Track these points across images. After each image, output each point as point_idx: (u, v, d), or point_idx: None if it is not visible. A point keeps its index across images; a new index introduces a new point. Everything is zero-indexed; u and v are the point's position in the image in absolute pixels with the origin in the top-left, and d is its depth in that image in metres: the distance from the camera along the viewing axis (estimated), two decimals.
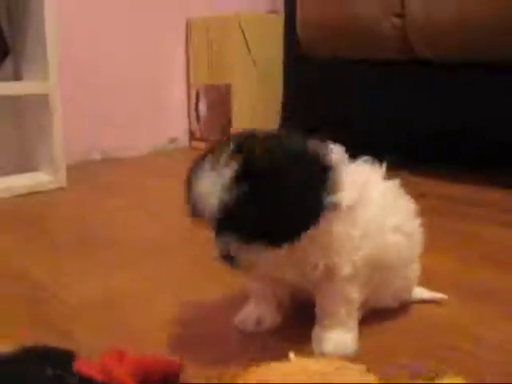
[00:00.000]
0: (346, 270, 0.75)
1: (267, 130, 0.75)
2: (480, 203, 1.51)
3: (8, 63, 1.81)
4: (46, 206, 1.60)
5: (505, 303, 0.91)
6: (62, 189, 1.75)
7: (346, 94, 2.03)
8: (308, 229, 0.70)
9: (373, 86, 1.96)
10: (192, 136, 2.45)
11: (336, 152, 0.75)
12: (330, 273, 0.75)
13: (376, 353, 0.75)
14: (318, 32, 2.02)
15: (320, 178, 0.70)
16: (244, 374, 0.53)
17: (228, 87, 2.26)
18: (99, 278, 1.05)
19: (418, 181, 1.71)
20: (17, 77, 1.82)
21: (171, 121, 2.42)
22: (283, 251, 0.71)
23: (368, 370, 0.56)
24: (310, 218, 0.70)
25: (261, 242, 0.70)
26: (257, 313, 0.84)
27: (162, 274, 1.06)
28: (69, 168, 1.82)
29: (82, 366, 0.58)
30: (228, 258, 0.71)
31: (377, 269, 0.79)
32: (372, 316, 0.84)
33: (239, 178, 0.66)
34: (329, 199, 0.70)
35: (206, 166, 0.69)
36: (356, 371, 0.56)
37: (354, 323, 0.78)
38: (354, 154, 0.81)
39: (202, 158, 0.71)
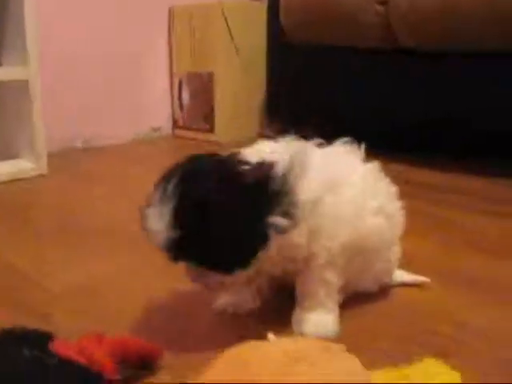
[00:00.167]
0: (322, 258, 0.75)
1: (217, 155, 0.75)
2: (463, 191, 1.51)
3: None
4: (27, 193, 1.59)
5: (486, 288, 0.92)
6: (43, 176, 1.73)
7: (329, 82, 2.03)
8: (256, 255, 0.71)
9: (357, 73, 1.96)
10: (175, 124, 2.44)
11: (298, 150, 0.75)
12: (307, 262, 0.76)
13: (357, 337, 0.76)
14: (302, 19, 2.01)
15: (264, 204, 0.70)
16: (222, 355, 0.53)
17: (211, 75, 2.25)
18: (80, 266, 1.04)
19: (402, 169, 1.72)
20: None
21: (154, 109, 2.40)
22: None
23: (347, 351, 0.56)
24: (256, 245, 0.71)
25: (214, 270, 0.71)
26: (236, 297, 0.84)
27: (142, 261, 1.05)
28: (51, 156, 1.80)
29: (59, 347, 0.58)
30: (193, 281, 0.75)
31: (358, 252, 0.79)
32: (353, 300, 0.84)
33: (181, 213, 0.67)
34: (276, 222, 0.70)
35: (153, 200, 0.70)
36: (334, 350, 0.56)
37: (333, 305, 0.78)
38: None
39: (155, 185, 0.72)
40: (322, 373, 0.51)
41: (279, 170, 0.71)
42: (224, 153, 0.75)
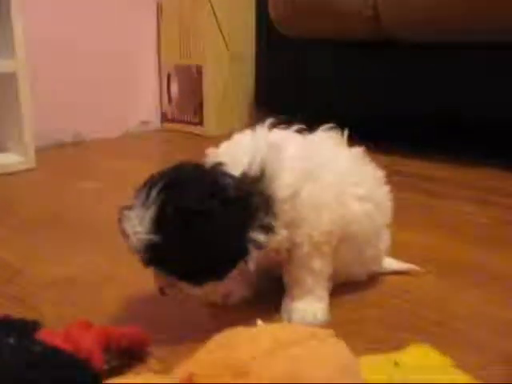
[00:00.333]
0: (305, 246, 0.75)
1: (198, 164, 0.74)
2: (452, 181, 1.53)
3: None
4: (14, 186, 1.57)
5: (477, 276, 0.93)
6: (31, 170, 1.72)
7: (318, 74, 2.03)
8: (232, 269, 0.71)
9: (346, 66, 1.96)
10: (164, 117, 2.43)
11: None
12: (291, 251, 0.76)
13: (346, 324, 0.76)
14: (291, 12, 2.00)
15: (245, 219, 0.70)
16: (210, 340, 0.53)
17: (199, 68, 2.24)
18: (69, 258, 1.03)
19: (393, 160, 1.72)
20: None
21: (143, 103, 2.39)
22: None
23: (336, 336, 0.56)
24: (235, 260, 0.71)
25: (185, 281, 0.71)
26: (224, 287, 0.83)
27: (130, 253, 1.05)
28: (39, 150, 1.78)
29: (46, 335, 0.57)
30: (160, 290, 0.74)
31: (345, 239, 0.78)
32: (342, 287, 0.84)
33: (164, 218, 0.67)
34: (256, 238, 0.70)
35: (135, 203, 0.69)
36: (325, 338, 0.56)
37: (322, 293, 0.78)
38: None
39: (137, 190, 0.71)
40: (310, 357, 0.51)
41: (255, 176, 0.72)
42: (208, 162, 0.74)
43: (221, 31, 2.21)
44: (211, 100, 2.25)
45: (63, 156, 1.97)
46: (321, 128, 0.83)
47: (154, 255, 0.69)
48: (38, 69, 1.90)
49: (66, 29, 2.08)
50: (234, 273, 0.78)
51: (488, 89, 1.64)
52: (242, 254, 0.70)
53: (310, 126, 0.84)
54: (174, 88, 2.36)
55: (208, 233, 0.68)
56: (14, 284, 0.92)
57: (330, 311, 0.78)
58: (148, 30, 2.36)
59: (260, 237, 0.70)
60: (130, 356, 0.66)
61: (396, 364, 0.60)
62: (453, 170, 1.63)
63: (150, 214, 0.67)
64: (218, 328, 0.54)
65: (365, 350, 0.62)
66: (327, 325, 0.74)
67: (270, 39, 2.17)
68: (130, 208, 0.69)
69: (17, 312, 0.76)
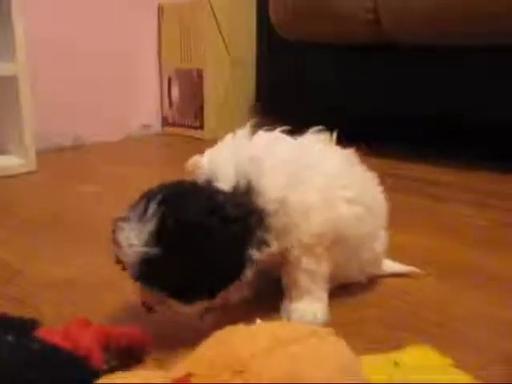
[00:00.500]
0: (296, 251, 0.75)
1: (194, 182, 0.74)
2: (451, 184, 1.53)
3: None
4: (15, 189, 1.58)
5: (476, 278, 0.93)
6: (31, 173, 1.72)
7: (319, 78, 2.03)
8: (227, 287, 0.71)
9: (346, 69, 1.97)
10: (165, 121, 2.44)
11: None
12: (283, 254, 0.76)
13: (346, 324, 0.75)
14: (291, 16, 2.00)
15: (243, 238, 0.70)
16: (209, 337, 0.53)
17: (200, 72, 2.24)
18: (68, 260, 1.03)
19: (394, 163, 1.72)
20: None
21: (144, 106, 2.40)
22: None
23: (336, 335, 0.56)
24: (231, 278, 0.71)
25: (177, 299, 0.69)
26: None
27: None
28: (40, 153, 1.79)
29: (45, 333, 0.57)
30: (147, 307, 0.71)
31: (338, 242, 0.78)
32: (342, 289, 0.84)
33: (163, 231, 0.66)
34: (252, 255, 0.71)
35: (131, 217, 0.68)
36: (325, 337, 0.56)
37: (321, 293, 0.77)
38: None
39: (131, 205, 0.70)
40: (309, 356, 0.51)
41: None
42: (201, 179, 0.74)
43: (221, 35, 2.22)
44: (212, 104, 2.25)
45: (64, 159, 1.98)
46: (310, 130, 0.83)
47: (148, 269, 0.67)
48: (39, 71, 1.90)
49: (67, 31, 2.09)
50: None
51: (488, 92, 1.64)
52: (238, 272, 0.70)
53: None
54: (175, 92, 2.36)
55: (208, 248, 0.67)
56: (13, 285, 0.92)
57: (329, 311, 0.78)
58: (149, 34, 2.37)
59: (256, 254, 0.71)
60: (129, 356, 0.66)
61: (396, 364, 0.60)
62: (452, 173, 1.63)
63: (149, 226, 0.66)
64: (217, 328, 0.54)
65: (365, 350, 0.61)
66: (327, 325, 0.74)
67: (270, 43, 2.18)
68: (125, 220, 0.68)
69: (16, 312, 0.76)
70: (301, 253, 0.75)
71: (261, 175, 0.73)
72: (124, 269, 0.70)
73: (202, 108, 2.27)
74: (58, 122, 2.09)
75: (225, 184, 0.72)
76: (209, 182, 0.73)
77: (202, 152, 0.80)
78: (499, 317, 0.79)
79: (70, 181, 1.66)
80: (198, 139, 2.20)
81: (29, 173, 1.71)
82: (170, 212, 0.67)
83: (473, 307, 0.82)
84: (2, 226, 1.24)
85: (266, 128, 0.82)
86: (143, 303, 0.71)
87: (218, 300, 0.73)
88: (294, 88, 2.11)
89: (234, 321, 0.76)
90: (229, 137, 0.80)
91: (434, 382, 0.59)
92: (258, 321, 0.61)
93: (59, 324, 0.64)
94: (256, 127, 0.82)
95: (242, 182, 0.72)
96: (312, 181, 0.76)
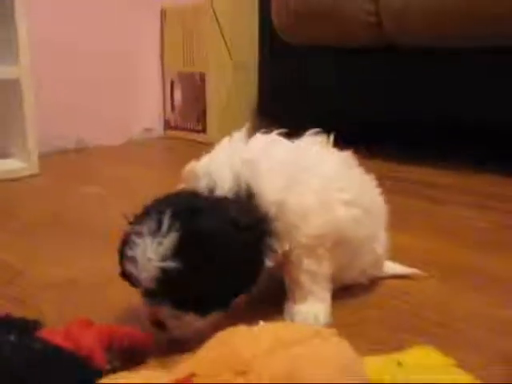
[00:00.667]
0: (297, 253, 0.75)
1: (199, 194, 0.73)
2: (451, 186, 1.53)
3: None
4: (18, 192, 1.58)
5: (477, 279, 0.93)
6: (34, 176, 1.72)
7: (322, 82, 2.03)
8: (241, 295, 0.72)
9: (349, 72, 1.97)
10: (167, 125, 2.44)
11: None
12: (285, 257, 0.76)
13: (348, 326, 0.75)
14: (294, 19, 2.01)
15: (257, 245, 0.70)
16: (211, 339, 0.53)
17: (202, 75, 2.24)
18: (70, 261, 1.03)
19: (394, 165, 1.72)
20: None
21: (146, 110, 2.40)
22: None
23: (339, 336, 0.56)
24: (247, 285, 0.72)
25: (192, 312, 0.69)
26: None
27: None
28: (43, 156, 1.79)
29: (46, 333, 0.57)
30: (157, 324, 0.69)
31: (338, 244, 0.78)
32: (343, 290, 0.84)
33: (180, 248, 0.65)
34: (266, 264, 0.71)
35: (144, 232, 0.66)
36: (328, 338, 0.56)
37: (324, 294, 0.77)
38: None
39: (138, 218, 0.69)
40: (311, 356, 0.51)
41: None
42: (199, 186, 0.74)
43: (224, 39, 2.22)
44: (214, 107, 2.25)
45: (66, 162, 1.98)
46: (307, 133, 0.83)
47: (167, 283, 0.66)
48: (42, 75, 1.90)
49: (70, 36, 2.09)
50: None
51: (488, 94, 1.64)
52: (253, 280, 0.71)
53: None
54: (177, 95, 2.37)
55: (227, 259, 0.67)
56: (15, 285, 0.93)
57: (331, 313, 0.78)
58: (151, 38, 2.38)
59: (269, 263, 0.71)
60: (131, 356, 0.66)
61: (399, 364, 0.60)
62: (451, 175, 1.63)
63: (167, 240, 0.65)
64: (219, 329, 0.54)
65: (367, 351, 0.61)
66: (329, 326, 0.74)
67: (272, 47, 2.18)
68: (137, 235, 0.66)
69: (18, 313, 0.77)
70: (302, 254, 0.75)
71: (258, 179, 0.73)
72: (133, 285, 0.70)
73: (204, 111, 2.27)
74: (60, 125, 2.09)
75: (224, 190, 0.72)
76: (209, 190, 0.73)
77: (204, 155, 0.80)
78: (500, 317, 0.79)
79: (73, 183, 1.66)
80: (201, 143, 2.20)
81: (31, 176, 1.72)
82: (186, 225, 0.66)
83: (473, 308, 0.82)
84: (5, 228, 1.24)
85: (263, 130, 0.82)
86: (153, 320, 0.70)
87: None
88: (296, 91, 2.12)
89: (236, 322, 0.77)
90: (225, 140, 0.80)
91: (437, 382, 0.59)
92: (261, 323, 0.61)
93: (61, 324, 0.64)
94: (255, 130, 0.82)
95: (242, 187, 0.72)
96: (309, 183, 0.76)
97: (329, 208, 0.76)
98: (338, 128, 0.88)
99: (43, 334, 0.57)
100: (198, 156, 0.80)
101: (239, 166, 0.73)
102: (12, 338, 0.54)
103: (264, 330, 0.55)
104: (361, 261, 0.84)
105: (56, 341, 0.56)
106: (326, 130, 0.84)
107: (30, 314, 0.76)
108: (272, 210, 0.72)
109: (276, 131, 0.82)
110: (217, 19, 2.19)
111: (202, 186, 0.74)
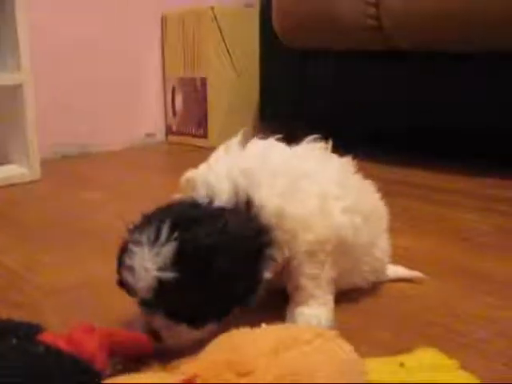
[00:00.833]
0: (298, 258, 0.75)
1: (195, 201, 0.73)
2: (454, 190, 1.53)
3: None
4: (19, 198, 1.58)
5: (482, 282, 0.93)
6: (36, 182, 1.73)
7: (323, 86, 2.04)
8: (242, 305, 0.71)
9: (350, 76, 1.97)
10: (168, 130, 2.44)
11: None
12: (286, 262, 0.75)
13: (351, 329, 0.75)
14: (294, 23, 2.01)
15: (257, 256, 0.70)
16: (214, 340, 0.53)
17: (204, 80, 2.25)
18: (72, 266, 1.03)
19: (396, 169, 1.72)
20: None
21: (148, 115, 2.40)
22: None
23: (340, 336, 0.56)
24: (245, 297, 0.70)
25: (188, 323, 0.68)
26: None
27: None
28: (44, 162, 1.80)
29: (48, 337, 0.57)
30: (152, 334, 0.68)
31: (340, 249, 0.78)
32: (345, 295, 0.83)
33: (178, 258, 0.64)
34: (265, 276, 0.71)
35: (142, 241, 0.66)
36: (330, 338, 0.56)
37: (326, 297, 0.77)
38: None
39: (138, 227, 0.69)
40: (313, 358, 0.51)
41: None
42: (198, 195, 0.74)
43: (225, 43, 2.23)
44: (215, 113, 2.25)
45: (68, 168, 1.98)
46: (306, 139, 0.83)
47: (163, 293, 0.65)
48: (44, 81, 1.91)
49: (71, 43, 2.10)
50: None
51: (490, 98, 1.64)
52: (253, 291, 0.70)
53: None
54: (179, 101, 2.37)
55: (226, 270, 0.66)
56: (17, 291, 0.92)
57: (334, 316, 0.77)
58: (153, 43, 2.38)
59: (268, 275, 0.71)
60: (133, 360, 0.66)
61: (401, 365, 0.60)
62: (456, 178, 1.63)
63: (165, 250, 0.64)
64: (217, 334, 0.54)
65: (370, 355, 0.61)
66: (331, 329, 0.74)
67: (273, 51, 2.18)
68: (136, 244, 0.66)
69: (20, 318, 0.76)
70: (303, 259, 0.75)
71: (257, 188, 0.73)
72: (129, 293, 0.69)
73: (205, 117, 2.27)
74: (62, 131, 2.10)
75: (222, 199, 0.72)
76: (209, 200, 0.72)
77: (205, 160, 0.80)
78: (503, 320, 0.79)
79: (74, 189, 1.66)
80: (202, 148, 2.20)
81: (32, 182, 1.72)
82: (185, 236, 0.65)
83: (477, 310, 0.82)
84: (7, 233, 1.24)
85: (260, 136, 0.82)
86: (148, 330, 0.69)
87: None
88: (297, 95, 2.12)
89: (238, 326, 0.76)
90: (222, 148, 0.80)
91: (439, 381, 0.59)
92: (264, 325, 0.60)
93: (63, 330, 0.64)
94: (256, 134, 0.82)
95: (241, 197, 0.72)
96: (308, 189, 0.75)
97: (328, 214, 0.76)
98: (339, 131, 0.88)
99: (45, 338, 0.57)
100: (199, 161, 0.80)
101: (237, 176, 0.73)
102: (14, 341, 0.54)
103: (267, 332, 0.55)
104: (363, 266, 0.84)
105: (58, 345, 0.55)
106: (327, 134, 0.84)
107: (32, 319, 0.76)
108: (272, 220, 0.72)
109: (274, 136, 0.82)
110: (217, 24, 2.20)
111: (200, 195, 0.74)
